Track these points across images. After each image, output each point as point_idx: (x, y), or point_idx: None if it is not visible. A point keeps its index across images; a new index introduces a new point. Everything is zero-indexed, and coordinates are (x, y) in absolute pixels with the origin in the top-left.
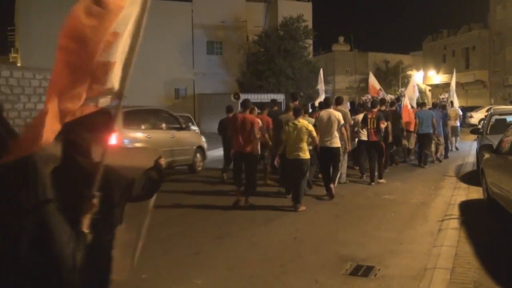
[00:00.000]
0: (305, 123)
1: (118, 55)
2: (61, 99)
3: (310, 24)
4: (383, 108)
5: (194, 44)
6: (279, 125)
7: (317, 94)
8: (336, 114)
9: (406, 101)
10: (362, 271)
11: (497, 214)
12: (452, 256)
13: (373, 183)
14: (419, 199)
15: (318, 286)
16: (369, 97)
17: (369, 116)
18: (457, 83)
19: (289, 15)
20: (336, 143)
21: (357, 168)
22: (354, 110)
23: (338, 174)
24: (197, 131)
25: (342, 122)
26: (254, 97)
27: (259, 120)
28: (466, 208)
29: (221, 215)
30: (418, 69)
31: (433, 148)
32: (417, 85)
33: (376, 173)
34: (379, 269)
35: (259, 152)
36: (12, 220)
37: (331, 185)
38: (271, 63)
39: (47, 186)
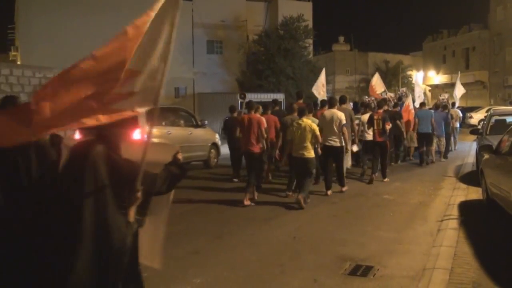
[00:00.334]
0: (309, 122)
1: (143, 64)
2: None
3: (310, 23)
4: (385, 107)
5: (194, 43)
6: (284, 127)
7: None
8: (339, 114)
9: (409, 101)
10: (361, 271)
11: (496, 215)
12: (451, 257)
13: (372, 183)
14: (418, 199)
15: (317, 286)
16: (372, 98)
17: (375, 117)
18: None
19: (289, 14)
20: (339, 142)
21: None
22: (356, 110)
23: (344, 172)
24: None
25: (344, 122)
26: (254, 97)
27: (264, 120)
28: (466, 208)
29: (221, 214)
30: (418, 70)
31: (434, 147)
32: (418, 85)
33: (380, 173)
34: (378, 269)
35: (266, 151)
36: (76, 199)
37: (342, 188)
38: (271, 63)
39: (103, 174)
